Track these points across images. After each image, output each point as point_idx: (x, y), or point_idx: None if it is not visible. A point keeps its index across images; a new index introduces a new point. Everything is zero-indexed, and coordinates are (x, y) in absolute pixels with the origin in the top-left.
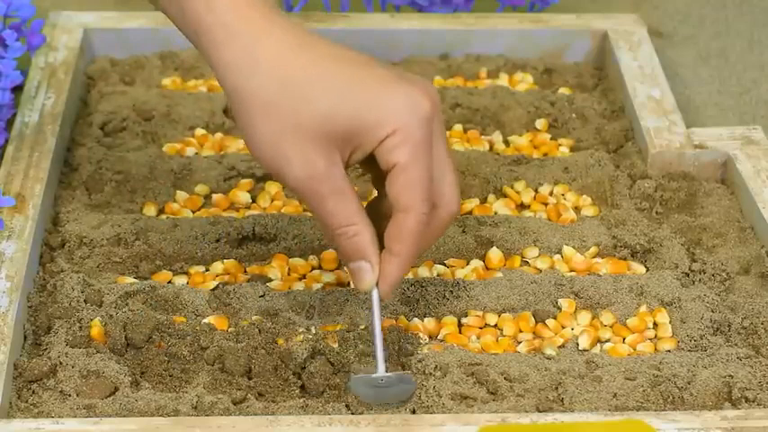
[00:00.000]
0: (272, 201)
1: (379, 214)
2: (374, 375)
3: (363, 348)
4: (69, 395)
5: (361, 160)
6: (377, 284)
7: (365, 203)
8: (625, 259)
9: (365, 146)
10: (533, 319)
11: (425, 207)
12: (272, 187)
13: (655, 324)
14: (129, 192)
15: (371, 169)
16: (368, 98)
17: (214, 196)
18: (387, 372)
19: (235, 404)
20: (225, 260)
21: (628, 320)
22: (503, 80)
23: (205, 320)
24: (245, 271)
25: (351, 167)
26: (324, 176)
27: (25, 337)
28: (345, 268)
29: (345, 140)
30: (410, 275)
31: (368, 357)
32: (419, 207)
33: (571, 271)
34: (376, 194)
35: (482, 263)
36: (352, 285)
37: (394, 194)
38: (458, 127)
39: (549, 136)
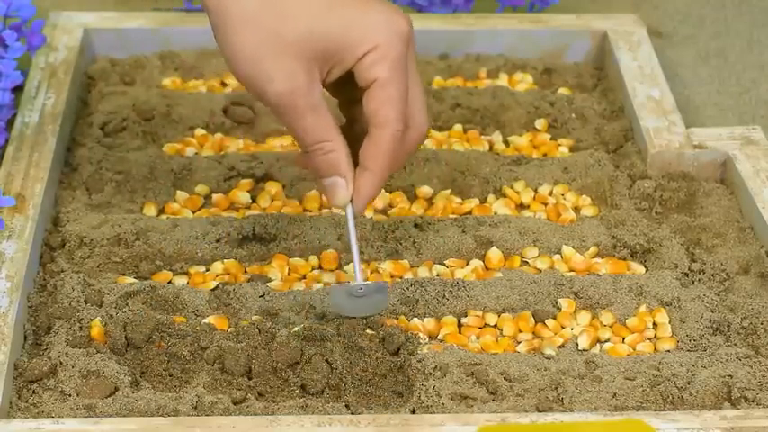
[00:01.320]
0: (272, 201)
1: (348, 138)
2: (353, 284)
3: (363, 346)
4: (69, 395)
5: (337, 79)
6: (351, 201)
7: None
8: (625, 259)
9: (345, 62)
10: (533, 319)
11: (401, 124)
12: (272, 187)
13: (654, 324)
14: (130, 192)
15: (341, 93)
16: (349, 15)
17: (214, 196)
18: (364, 281)
19: (235, 404)
20: (225, 260)
21: (627, 320)
22: (502, 80)
23: (205, 320)
24: (245, 271)
25: (326, 85)
26: (304, 92)
27: (25, 337)
28: (318, 185)
29: (325, 57)
30: (410, 275)
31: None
32: (395, 123)
33: (571, 271)
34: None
35: (482, 263)
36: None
37: (371, 110)
38: (458, 127)
39: (548, 136)
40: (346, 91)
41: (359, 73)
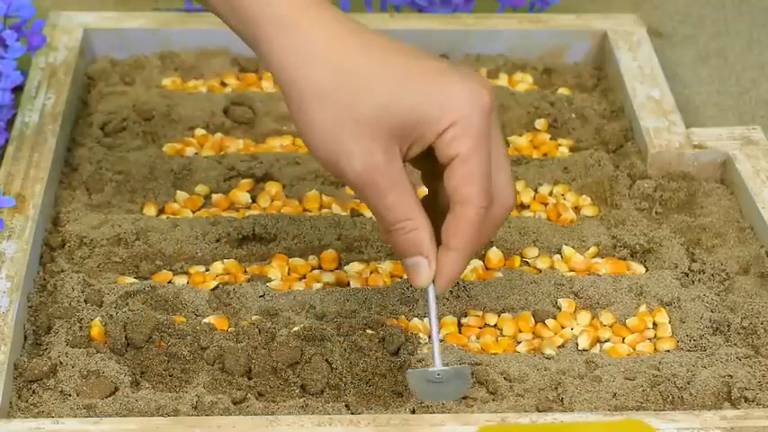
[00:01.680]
0: (272, 201)
1: (430, 211)
2: (430, 369)
3: (363, 346)
4: (69, 395)
5: (418, 154)
6: (433, 281)
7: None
8: (624, 259)
9: (425, 138)
10: (533, 318)
11: (485, 200)
12: (272, 187)
13: (654, 324)
14: (130, 192)
15: (423, 165)
16: (428, 89)
17: (214, 196)
18: (444, 366)
19: (235, 404)
20: (225, 260)
21: (627, 320)
22: (502, 80)
23: (205, 320)
24: (245, 271)
25: (407, 161)
26: (384, 170)
27: (25, 337)
28: (402, 264)
29: (405, 133)
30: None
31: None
32: (478, 200)
33: (571, 271)
34: (427, 192)
35: (482, 263)
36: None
37: (453, 187)
38: None
39: (548, 136)
40: (429, 163)
41: (439, 149)
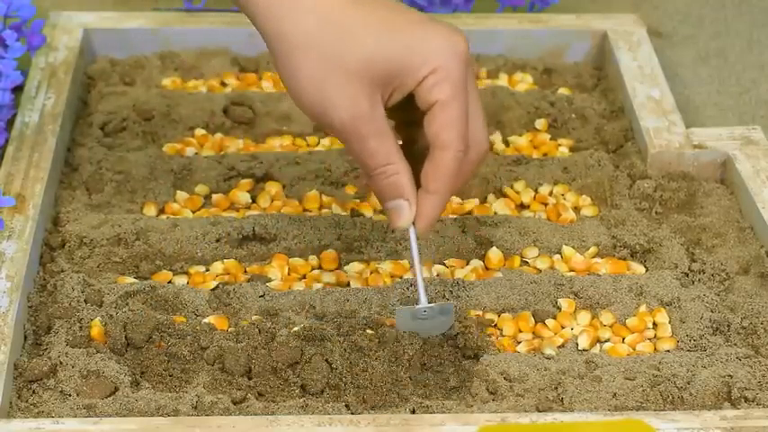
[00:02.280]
0: (272, 201)
1: (406, 160)
2: (417, 307)
3: (363, 346)
4: (69, 395)
5: (399, 101)
6: (413, 223)
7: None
8: (624, 259)
9: (406, 85)
10: (533, 318)
11: (462, 144)
12: (272, 187)
13: (654, 324)
14: (129, 192)
15: (397, 114)
16: (409, 39)
17: (214, 196)
18: (428, 303)
19: (235, 404)
20: (225, 260)
21: (627, 320)
22: (502, 80)
23: (205, 320)
24: (245, 271)
25: (388, 108)
26: (368, 117)
27: (25, 337)
28: (383, 207)
29: (387, 81)
30: (410, 275)
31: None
32: (457, 144)
33: (571, 271)
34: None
35: (482, 263)
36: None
37: (433, 132)
38: None
39: (548, 136)
40: (404, 112)
41: (420, 96)
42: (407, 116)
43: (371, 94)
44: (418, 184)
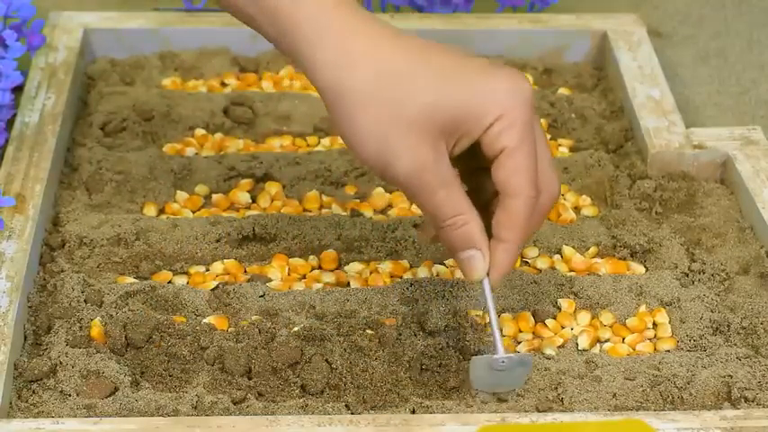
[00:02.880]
0: (272, 201)
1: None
2: (495, 357)
3: (363, 346)
4: (69, 395)
5: (464, 150)
6: (487, 274)
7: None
8: (625, 259)
9: (471, 133)
10: (533, 318)
11: (534, 191)
12: (272, 187)
13: (654, 324)
14: (129, 192)
15: (461, 163)
16: (471, 85)
17: (214, 196)
18: (506, 354)
19: (235, 404)
20: (225, 260)
21: (627, 320)
22: None
23: (205, 320)
24: (245, 271)
25: (453, 157)
26: (433, 168)
27: (25, 337)
28: (455, 259)
29: (451, 130)
30: (410, 275)
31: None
32: (528, 191)
33: (571, 271)
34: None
35: None
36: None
37: (502, 180)
38: None
39: (548, 136)
40: (468, 160)
41: (486, 143)
42: (472, 163)
43: (435, 144)
44: (488, 234)
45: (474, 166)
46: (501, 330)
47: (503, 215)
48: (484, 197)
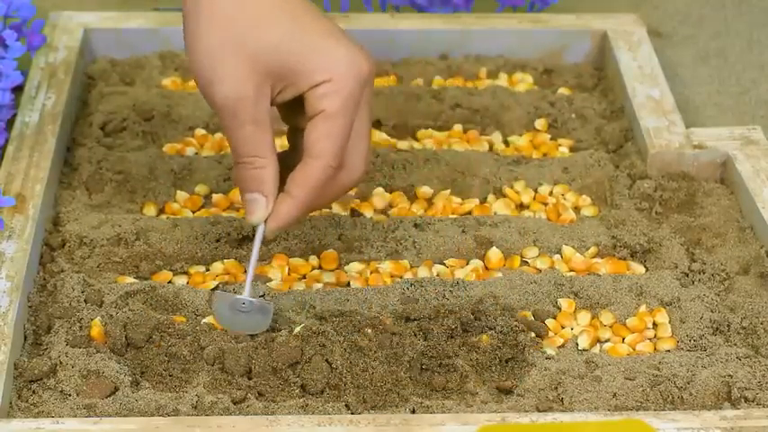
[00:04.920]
0: None
1: (285, 166)
2: (237, 297)
3: (363, 346)
4: (69, 395)
5: (286, 102)
6: (265, 221)
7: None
8: (624, 259)
9: (298, 86)
10: (533, 318)
11: (335, 160)
12: None
13: (654, 324)
14: (129, 192)
15: (292, 119)
16: (315, 42)
17: (214, 196)
18: (250, 298)
19: (235, 404)
20: (225, 260)
21: (627, 320)
22: (502, 80)
23: (205, 320)
24: (245, 271)
25: (277, 104)
26: (250, 102)
27: (25, 337)
28: (241, 198)
29: (280, 75)
30: (410, 275)
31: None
32: (329, 158)
33: (571, 271)
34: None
35: (482, 263)
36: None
37: (311, 140)
38: (458, 127)
39: (548, 136)
40: (297, 118)
41: (309, 101)
42: (296, 121)
43: (261, 83)
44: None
45: (297, 125)
46: (254, 276)
47: (299, 172)
48: (297, 158)
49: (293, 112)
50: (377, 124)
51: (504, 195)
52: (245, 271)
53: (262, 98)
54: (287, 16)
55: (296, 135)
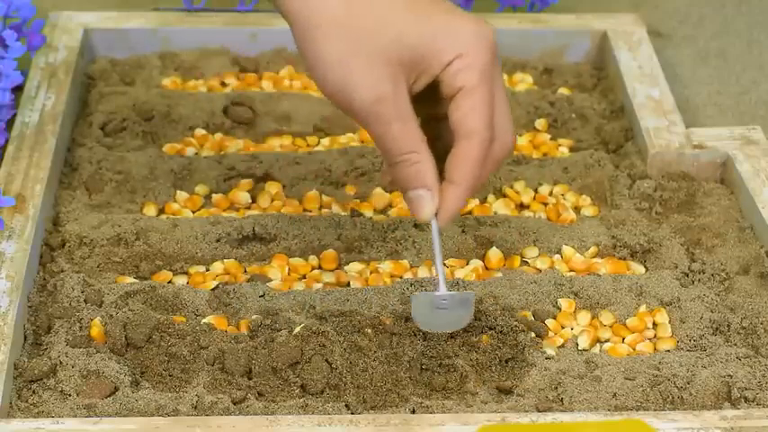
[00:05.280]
0: (272, 201)
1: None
2: (437, 294)
3: (363, 346)
4: (69, 395)
5: (420, 92)
6: (435, 214)
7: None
8: (624, 259)
9: (431, 70)
10: (533, 318)
11: (488, 132)
12: (272, 187)
13: (654, 324)
14: (129, 192)
15: (423, 109)
16: (436, 24)
17: (214, 196)
18: (448, 292)
19: (235, 404)
20: (225, 260)
21: (627, 320)
22: None
23: (205, 320)
24: (245, 271)
25: (411, 96)
26: (391, 100)
27: (25, 337)
28: (404, 198)
29: (412, 65)
30: (410, 275)
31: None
32: (483, 132)
33: (571, 271)
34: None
35: (482, 263)
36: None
37: (457, 119)
38: None
39: (548, 136)
40: (429, 107)
41: (445, 81)
42: (433, 111)
43: (396, 78)
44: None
45: (434, 115)
46: (444, 270)
47: (455, 156)
48: (442, 147)
49: (425, 101)
50: None
51: (504, 195)
52: (435, 267)
53: (400, 93)
54: (399, 5)
55: (431, 125)
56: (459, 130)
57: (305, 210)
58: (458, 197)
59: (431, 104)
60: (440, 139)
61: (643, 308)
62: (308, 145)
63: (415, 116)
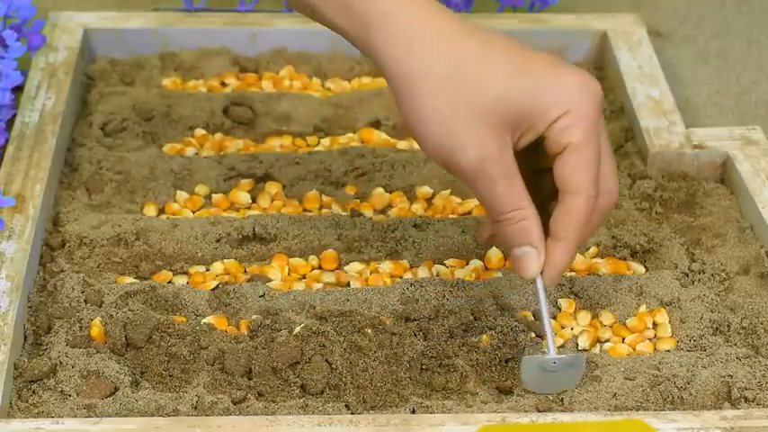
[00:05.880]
0: (272, 201)
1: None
2: (547, 357)
3: (363, 346)
4: (69, 395)
5: (528, 144)
6: (541, 273)
7: None
8: (625, 259)
9: (537, 127)
10: (533, 318)
11: (594, 190)
12: (272, 187)
13: (654, 324)
14: (129, 192)
15: (525, 160)
16: (541, 79)
17: (214, 196)
18: (557, 355)
19: (235, 404)
20: (225, 260)
21: (627, 320)
22: None
23: (205, 320)
24: (245, 271)
25: (517, 150)
26: (497, 159)
27: (25, 337)
28: (509, 255)
29: (517, 122)
30: (410, 275)
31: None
32: (589, 189)
33: (571, 271)
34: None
35: (482, 263)
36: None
37: (564, 176)
38: None
39: None
40: (529, 159)
41: (550, 138)
42: (532, 164)
43: (501, 136)
44: (545, 234)
45: (534, 167)
46: (552, 331)
47: (561, 213)
48: (542, 199)
49: (526, 153)
50: (377, 124)
51: None
52: (542, 327)
53: (506, 151)
54: (503, 60)
55: (529, 176)
56: (566, 187)
57: (305, 210)
58: (564, 254)
59: (532, 157)
60: (539, 191)
61: (643, 308)
62: (307, 145)
63: (518, 173)
